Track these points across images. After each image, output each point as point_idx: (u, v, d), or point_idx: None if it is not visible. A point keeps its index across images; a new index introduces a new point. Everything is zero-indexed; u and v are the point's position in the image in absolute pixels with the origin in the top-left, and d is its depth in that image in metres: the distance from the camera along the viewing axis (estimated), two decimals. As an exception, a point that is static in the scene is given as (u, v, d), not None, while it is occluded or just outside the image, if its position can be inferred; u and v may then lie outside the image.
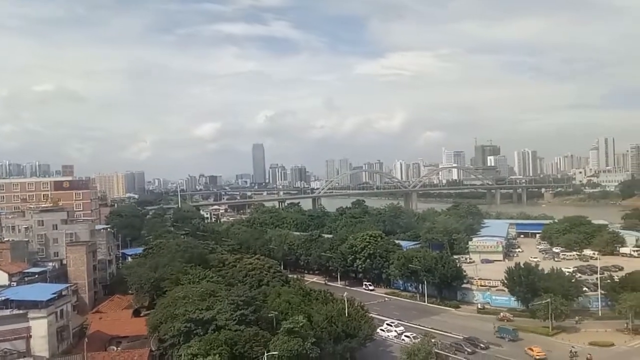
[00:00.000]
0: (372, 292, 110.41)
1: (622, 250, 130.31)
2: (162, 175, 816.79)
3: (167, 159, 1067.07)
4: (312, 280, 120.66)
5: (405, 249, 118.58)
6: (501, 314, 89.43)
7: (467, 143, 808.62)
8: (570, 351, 69.05)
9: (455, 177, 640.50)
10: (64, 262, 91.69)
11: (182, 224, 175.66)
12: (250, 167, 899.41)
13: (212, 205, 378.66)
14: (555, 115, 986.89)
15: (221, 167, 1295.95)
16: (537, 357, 69.11)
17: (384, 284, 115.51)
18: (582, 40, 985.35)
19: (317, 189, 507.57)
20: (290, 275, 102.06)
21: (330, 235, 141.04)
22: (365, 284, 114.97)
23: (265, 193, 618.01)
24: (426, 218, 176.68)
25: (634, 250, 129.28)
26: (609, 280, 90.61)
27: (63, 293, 66.47)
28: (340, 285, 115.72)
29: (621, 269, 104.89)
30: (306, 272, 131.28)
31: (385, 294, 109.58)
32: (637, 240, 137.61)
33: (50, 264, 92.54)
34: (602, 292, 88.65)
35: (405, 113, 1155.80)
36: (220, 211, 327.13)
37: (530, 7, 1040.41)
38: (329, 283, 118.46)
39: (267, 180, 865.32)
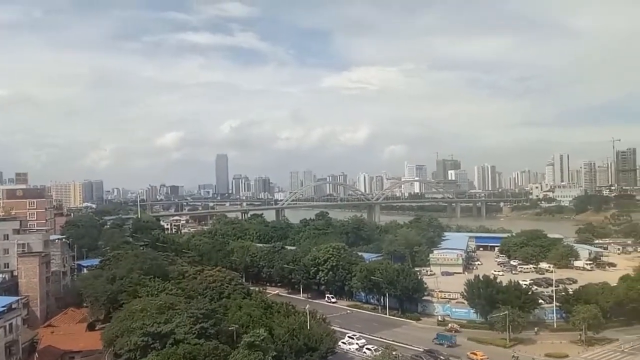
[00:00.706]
0: (334, 305, 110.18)
1: (576, 263, 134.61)
2: (121, 184, 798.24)
3: (127, 168, 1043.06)
4: (275, 292, 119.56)
5: (367, 261, 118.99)
6: (449, 325, 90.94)
7: (429, 157, 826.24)
8: (513, 356, 72.54)
9: (417, 190, 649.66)
10: (15, 273, 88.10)
11: (142, 235, 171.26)
12: (213, 177, 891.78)
13: (173, 215, 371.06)
14: (513, 132, 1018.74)
15: (183, 177, 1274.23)
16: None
17: (346, 296, 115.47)
18: (537, 60, 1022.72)
19: (281, 200, 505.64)
20: (252, 288, 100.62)
21: (293, 247, 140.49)
22: (328, 297, 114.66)
23: (228, 204, 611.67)
24: (389, 230, 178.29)
25: (587, 264, 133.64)
26: (563, 293, 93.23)
27: (13, 306, 63.74)
28: (303, 298, 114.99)
29: (575, 281, 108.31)
30: (268, 284, 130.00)
31: (348, 306, 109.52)
32: (589, 254, 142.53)
33: (0, 275, 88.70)
34: (557, 304, 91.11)
35: (370, 126, 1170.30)
36: (181, 222, 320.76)
37: (490, 26, 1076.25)
38: (292, 295, 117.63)
39: (230, 191, 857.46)
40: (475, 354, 74.68)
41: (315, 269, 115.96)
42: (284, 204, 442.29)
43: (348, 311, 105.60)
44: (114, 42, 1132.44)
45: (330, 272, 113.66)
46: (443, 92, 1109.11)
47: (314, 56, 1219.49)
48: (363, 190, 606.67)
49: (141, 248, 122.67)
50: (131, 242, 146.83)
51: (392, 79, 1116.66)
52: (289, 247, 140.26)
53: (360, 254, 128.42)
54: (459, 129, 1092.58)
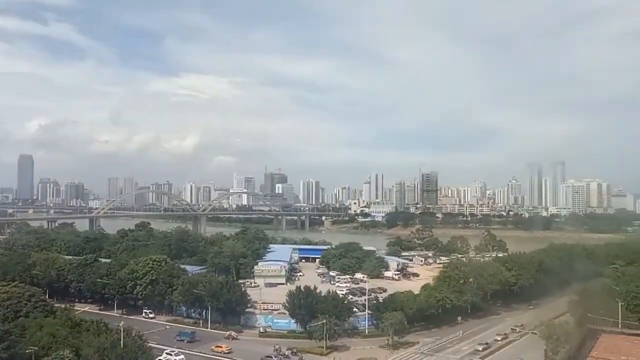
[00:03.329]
0: (152, 320, 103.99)
1: (387, 273, 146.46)
2: None
3: None
4: (85, 309, 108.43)
5: (191, 274, 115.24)
6: (227, 333, 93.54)
7: (259, 170, 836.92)
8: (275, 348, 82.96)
9: (245, 202, 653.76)
10: None
11: None
12: (15, 180, 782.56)
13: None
14: (338, 150, 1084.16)
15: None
16: (225, 351, 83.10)
17: (166, 311, 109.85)
18: (361, 85, 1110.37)
19: (97, 208, 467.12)
20: (57, 305, 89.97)
21: (109, 260, 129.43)
22: (146, 312, 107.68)
23: (31, 211, 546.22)
24: (214, 242, 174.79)
25: (395, 274, 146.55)
26: (374, 301, 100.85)
27: None
28: (117, 314, 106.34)
29: (385, 290, 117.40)
30: (78, 300, 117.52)
31: (167, 321, 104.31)
32: (398, 265, 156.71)
33: None
34: (369, 312, 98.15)
35: (199, 136, 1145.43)
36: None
37: (319, 49, 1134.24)
38: (105, 312, 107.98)
39: (35, 197, 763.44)
40: (220, 347, 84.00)
41: (133, 282, 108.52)
42: (99, 212, 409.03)
43: (167, 327, 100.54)
44: None
45: (150, 286, 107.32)
46: (274, 108, 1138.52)
47: (141, 58, 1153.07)
48: (189, 201, 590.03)
49: None
50: None
51: (223, 89, 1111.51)
52: (103, 260, 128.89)
53: (183, 266, 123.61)
54: (288, 144, 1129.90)
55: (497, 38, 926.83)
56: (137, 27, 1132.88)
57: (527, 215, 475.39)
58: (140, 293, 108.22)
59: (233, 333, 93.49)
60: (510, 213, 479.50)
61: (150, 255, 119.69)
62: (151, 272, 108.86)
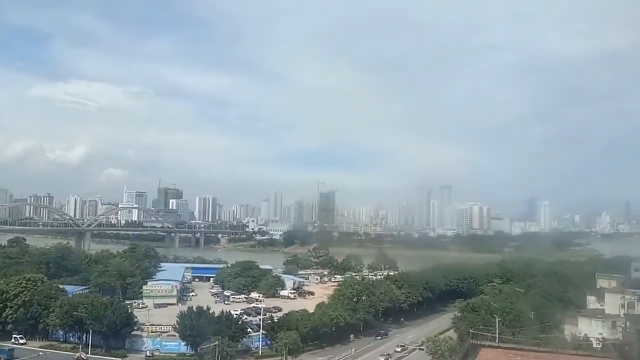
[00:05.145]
0: (23, 347, 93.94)
1: (282, 292, 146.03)
2: None
3: None
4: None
5: (71, 295, 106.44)
6: (76, 355, 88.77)
7: (152, 184, 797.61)
8: None
9: (135, 218, 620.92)
10: None
11: None
12: None
13: None
14: (237, 167, 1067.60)
15: None
16: None
17: (40, 335, 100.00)
18: (261, 102, 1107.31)
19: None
20: None
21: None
22: (16, 337, 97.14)
23: None
24: (99, 260, 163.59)
25: (291, 293, 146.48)
26: (269, 321, 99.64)
27: None
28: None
29: (280, 310, 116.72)
30: None
31: (41, 347, 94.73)
32: (294, 284, 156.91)
33: None
34: (264, 332, 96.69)
35: (87, 146, 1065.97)
36: None
37: (218, 63, 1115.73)
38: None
39: None
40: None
41: (2, 305, 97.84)
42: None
43: (40, 353, 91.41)
44: None
45: (22, 309, 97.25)
46: (171, 120, 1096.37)
47: (21, 58, 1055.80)
48: (73, 215, 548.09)
49: None
50: None
51: (117, 99, 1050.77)
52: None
53: (62, 286, 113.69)
54: (185, 158, 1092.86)
55: (396, 65, 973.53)
56: (18, 25, 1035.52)
57: (416, 235, 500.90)
58: (10, 316, 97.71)
59: (83, 355, 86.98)
60: (402, 233, 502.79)
61: (24, 274, 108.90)
62: (24, 292, 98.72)
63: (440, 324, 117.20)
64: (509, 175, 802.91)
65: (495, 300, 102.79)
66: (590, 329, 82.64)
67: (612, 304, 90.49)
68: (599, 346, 78.17)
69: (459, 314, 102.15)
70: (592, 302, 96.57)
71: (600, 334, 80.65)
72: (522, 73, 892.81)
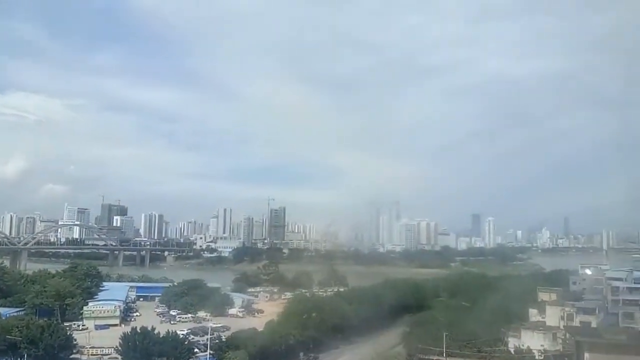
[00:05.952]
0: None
1: (231, 311, 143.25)
2: None
3: None
4: None
5: (5, 317, 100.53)
6: None
7: (94, 200, 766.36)
8: None
9: (77, 235, 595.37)
10: None
11: None
12: None
13: None
14: (185, 182, 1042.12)
15: None
16: None
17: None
18: (209, 117, 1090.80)
19: None
20: None
21: None
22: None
23: None
24: (37, 280, 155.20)
25: (240, 311, 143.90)
26: (217, 341, 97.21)
27: None
28: None
29: (229, 329, 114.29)
30: None
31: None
32: (243, 302, 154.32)
33: None
34: (211, 352, 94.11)
35: (24, 160, 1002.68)
36: None
37: (165, 77, 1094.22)
38: None
39: None
40: None
41: None
42: None
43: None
44: None
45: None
46: (115, 134, 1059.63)
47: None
48: (8, 233, 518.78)
49: None
50: None
51: (57, 112, 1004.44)
52: None
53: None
54: (130, 173, 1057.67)
55: (347, 83, 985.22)
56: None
57: (366, 251, 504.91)
58: None
59: None
60: (352, 249, 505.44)
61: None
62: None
63: (389, 340, 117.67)
64: (456, 191, 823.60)
65: (443, 315, 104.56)
66: (533, 341, 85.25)
67: (553, 316, 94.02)
68: (541, 358, 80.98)
69: (408, 329, 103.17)
70: (534, 314, 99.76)
71: (542, 345, 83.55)
72: (468, 94, 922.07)
